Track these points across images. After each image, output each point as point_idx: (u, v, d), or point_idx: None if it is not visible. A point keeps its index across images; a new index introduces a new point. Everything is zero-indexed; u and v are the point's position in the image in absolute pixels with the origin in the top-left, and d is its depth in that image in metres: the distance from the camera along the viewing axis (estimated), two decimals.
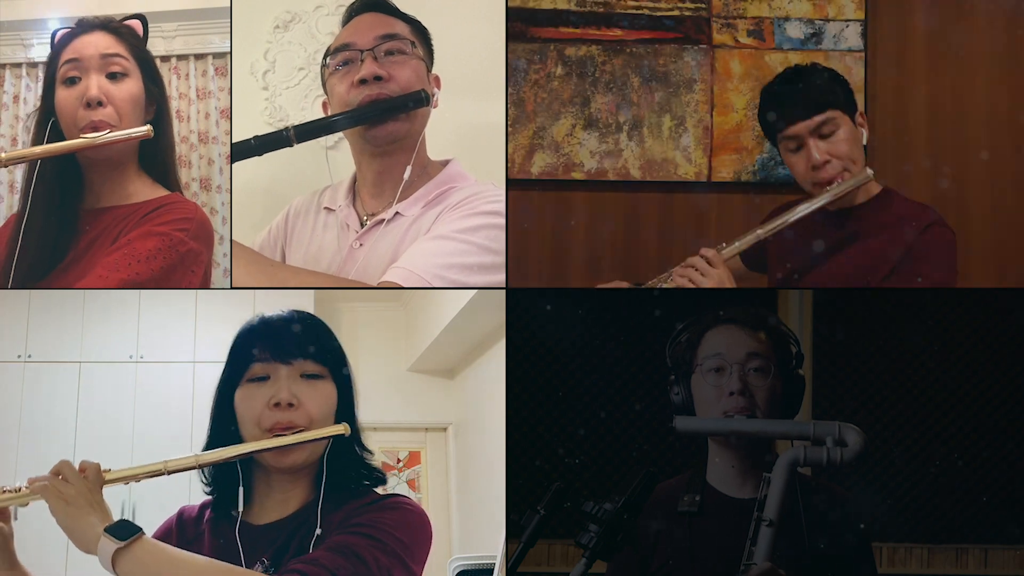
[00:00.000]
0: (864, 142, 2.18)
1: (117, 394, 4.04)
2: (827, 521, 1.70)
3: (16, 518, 1.57)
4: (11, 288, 2.10)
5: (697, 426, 1.72)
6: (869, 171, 2.15)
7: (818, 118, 2.12)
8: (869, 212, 2.20)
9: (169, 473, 1.58)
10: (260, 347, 1.61)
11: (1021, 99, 2.71)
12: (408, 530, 1.56)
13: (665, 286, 2.17)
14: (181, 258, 2.08)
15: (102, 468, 1.53)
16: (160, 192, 2.17)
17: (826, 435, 1.55)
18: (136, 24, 2.20)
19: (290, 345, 1.61)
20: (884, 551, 2.92)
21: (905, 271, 2.11)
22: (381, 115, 2.12)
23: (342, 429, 1.59)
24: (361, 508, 1.57)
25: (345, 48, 2.15)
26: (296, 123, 2.19)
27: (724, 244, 2.16)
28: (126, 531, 1.43)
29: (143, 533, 1.45)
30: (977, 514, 2.90)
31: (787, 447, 1.63)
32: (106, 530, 1.42)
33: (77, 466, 1.52)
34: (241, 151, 2.18)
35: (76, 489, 1.48)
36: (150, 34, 2.24)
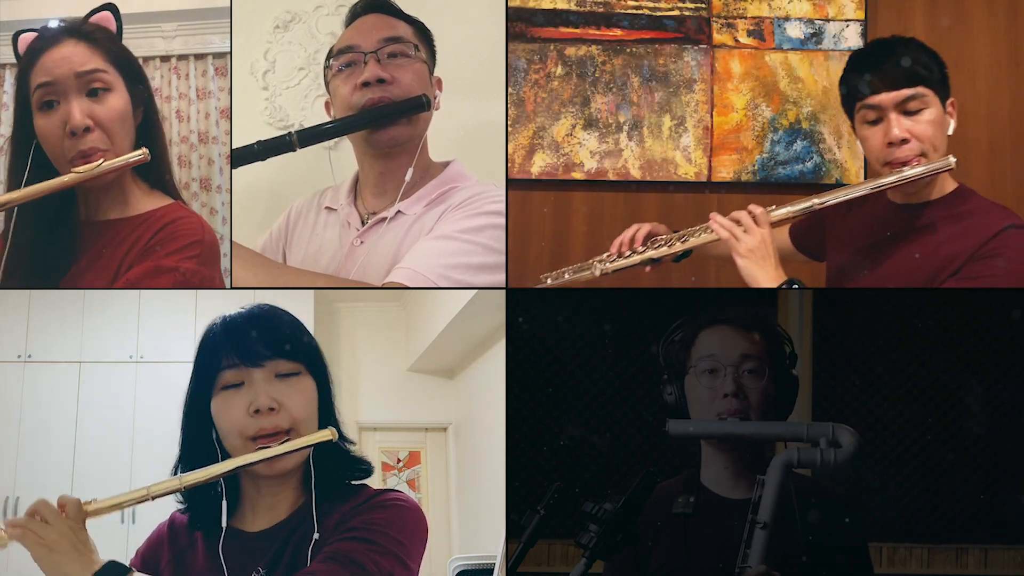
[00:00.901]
0: (949, 132, 1.98)
1: (117, 394, 4.04)
2: (823, 521, 1.70)
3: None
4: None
5: (690, 429, 1.71)
6: (951, 158, 1.93)
7: (906, 91, 1.92)
8: (942, 208, 2.00)
9: (154, 498, 1.50)
10: (227, 353, 1.54)
11: (1021, 99, 2.71)
12: (403, 527, 1.52)
13: (705, 235, 2.05)
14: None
15: (83, 501, 1.44)
16: (159, 201, 2.06)
17: (820, 436, 1.54)
18: (107, 19, 2.02)
19: (259, 346, 1.54)
20: (884, 551, 2.92)
21: (972, 269, 1.93)
22: (383, 120, 2.12)
23: (328, 435, 1.53)
24: (354, 510, 1.53)
25: (348, 50, 2.15)
26: (299, 127, 2.19)
27: (775, 207, 2.02)
28: (115, 575, 1.38)
29: (132, 572, 1.39)
30: (977, 514, 2.90)
31: (782, 448, 1.63)
32: None
33: (56, 500, 1.43)
34: (243, 156, 2.17)
35: (57, 531, 1.39)
36: (151, 35, 2.20)
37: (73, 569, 1.37)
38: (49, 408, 4.01)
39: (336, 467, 1.59)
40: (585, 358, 2.92)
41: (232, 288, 2.34)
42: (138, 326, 4.11)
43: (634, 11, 2.70)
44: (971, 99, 2.71)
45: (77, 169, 1.92)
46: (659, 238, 2.15)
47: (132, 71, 2.01)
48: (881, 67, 1.95)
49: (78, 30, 1.97)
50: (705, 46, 2.71)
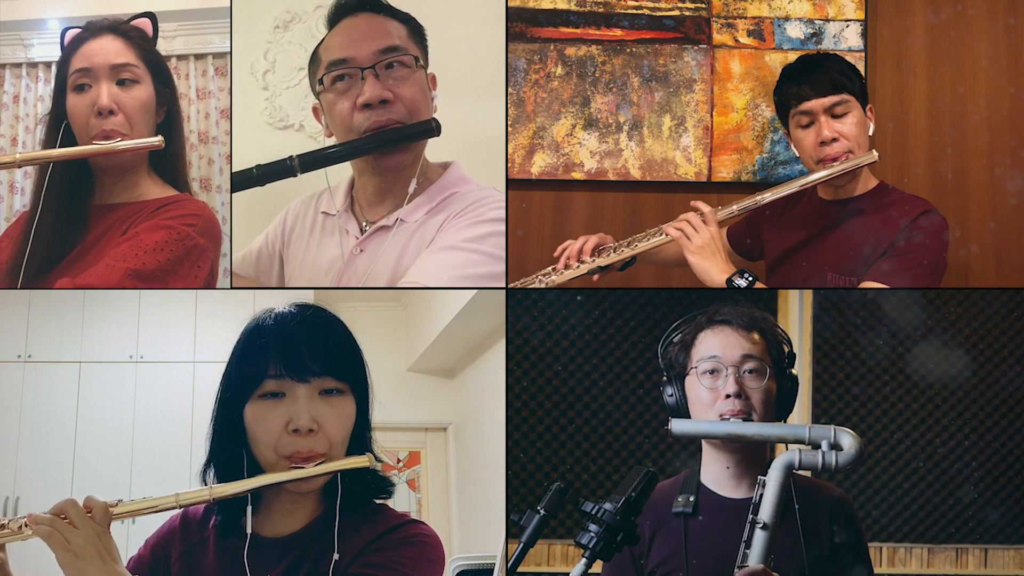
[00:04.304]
0: (870, 133, 2.24)
1: (117, 394, 4.04)
2: (823, 522, 1.70)
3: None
4: (23, 284, 2.11)
5: (693, 429, 1.71)
6: (874, 153, 2.19)
7: (833, 97, 2.18)
8: (865, 202, 2.24)
9: (181, 507, 1.48)
10: (274, 361, 1.48)
11: (1021, 99, 2.71)
12: (426, 566, 1.50)
13: (654, 239, 2.20)
14: (188, 252, 2.09)
15: (109, 504, 1.42)
16: (170, 192, 2.21)
17: (821, 439, 1.54)
18: (145, 24, 2.21)
19: (309, 360, 1.48)
20: (884, 551, 2.92)
21: (896, 251, 2.15)
22: (389, 145, 2.07)
23: (366, 461, 1.50)
24: (378, 540, 1.50)
25: (342, 64, 2.07)
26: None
27: (721, 206, 2.20)
28: None
29: None
30: (977, 514, 2.90)
31: (783, 448, 1.62)
32: None
33: (83, 501, 1.41)
34: (244, 180, 2.13)
35: (84, 537, 1.36)
36: None
37: None
38: (49, 408, 4.01)
39: (361, 486, 1.56)
40: (585, 358, 2.92)
41: (232, 288, 2.34)
42: (138, 326, 4.11)
43: (634, 11, 2.70)
44: (971, 99, 2.71)
45: (97, 142, 2.10)
46: (607, 247, 2.27)
47: (161, 72, 2.21)
48: (810, 78, 2.21)
49: (117, 28, 2.17)
50: (705, 46, 2.71)
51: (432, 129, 2.08)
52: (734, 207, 2.21)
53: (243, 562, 1.49)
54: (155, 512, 1.47)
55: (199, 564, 1.54)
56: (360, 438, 1.56)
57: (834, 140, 2.18)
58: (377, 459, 1.57)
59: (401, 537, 1.52)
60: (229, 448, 1.52)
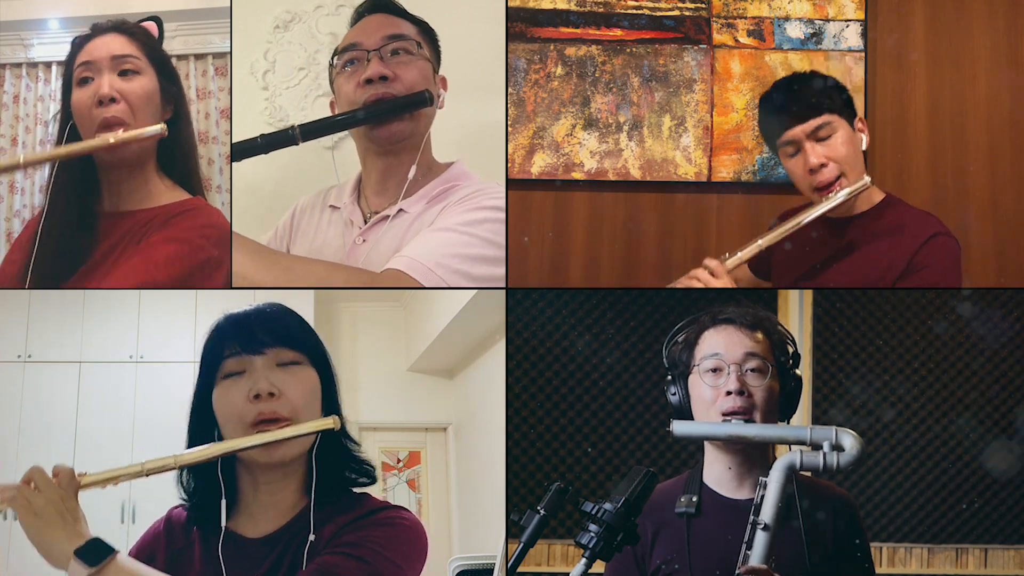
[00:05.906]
0: (863, 147, 2.17)
1: (117, 394, 4.04)
2: (825, 522, 1.70)
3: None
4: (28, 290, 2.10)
5: (694, 431, 1.71)
6: (867, 178, 2.13)
7: (814, 122, 2.12)
8: (871, 220, 2.18)
9: (148, 475, 1.48)
10: (229, 343, 1.53)
11: (1021, 99, 2.71)
12: (399, 547, 1.49)
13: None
14: (200, 265, 2.08)
15: (77, 472, 1.42)
16: (181, 195, 2.17)
17: (823, 440, 1.54)
18: (151, 26, 2.21)
19: (260, 334, 1.53)
20: (884, 551, 2.92)
21: (909, 282, 2.09)
22: (384, 115, 2.12)
23: (331, 423, 1.51)
24: (352, 523, 1.49)
25: (352, 48, 2.15)
26: (301, 122, 2.19)
27: (727, 255, 2.15)
28: (97, 554, 1.34)
29: (116, 554, 1.36)
30: (977, 514, 2.90)
31: (785, 448, 1.62)
32: (76, 552, 1.33)
33: (52, 468, 1.41)
34: (246, 149, 2.17)
35: (46, 498, 1.36)
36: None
37: (56, 537, 1.35)
38: (49, 408, 4.01)
39: (338, 467, 1.56)
40: (585, 358, 2.92)
41: (232, 288, 2.34)
42: (138, 326, 4.11)
43: (634, 11, 2.70)
44: (971, 99, 2.71)
45: (100, 136, 2.06)
46: None
47: (166, 70, 2.19)
48: (787, 104, 2.15)
49: (121, 26, 2.17)
50: (705, 46, 2.71)
51: (426, 99, 2.12)
52: (739, 254, 2.15)
53: (224, 561, 1.49)
54: (121, 480, 1.47)
55: (185, 569, 1.53)
56: (329, 414, 1.55)
57: (823, 166, 2.12)
58: (350, 437, 1.58)
59: (375, 519, 1.51)
60: (203, 439, 1.55)
